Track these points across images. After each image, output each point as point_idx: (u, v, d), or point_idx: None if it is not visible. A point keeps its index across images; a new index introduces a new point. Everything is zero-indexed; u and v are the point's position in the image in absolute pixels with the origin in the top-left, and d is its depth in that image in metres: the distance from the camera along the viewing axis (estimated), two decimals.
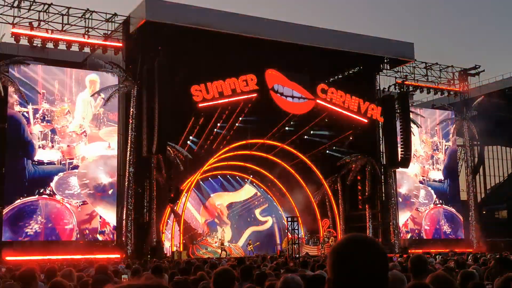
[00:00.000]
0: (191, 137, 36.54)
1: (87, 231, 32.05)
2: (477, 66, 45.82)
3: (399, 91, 41.95)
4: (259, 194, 41.77)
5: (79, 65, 35.71)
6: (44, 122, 31.91)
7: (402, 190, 41.82)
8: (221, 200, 40.35)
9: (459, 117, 44.13)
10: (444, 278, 3.41)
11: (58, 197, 31.47)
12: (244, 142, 37.79)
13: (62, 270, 7.86)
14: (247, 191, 41.61)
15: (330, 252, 2.26)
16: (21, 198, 30.66)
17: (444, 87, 45.12)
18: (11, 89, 30.72)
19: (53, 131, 32.04)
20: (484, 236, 42.04)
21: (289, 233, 35.18)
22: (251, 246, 38.29)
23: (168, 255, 32.99)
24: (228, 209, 40.47)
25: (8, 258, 26.92)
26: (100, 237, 32.43)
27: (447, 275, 3.58)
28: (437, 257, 17.66)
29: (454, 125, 44.14)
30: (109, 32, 34.03)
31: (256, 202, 41.60)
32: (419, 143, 42.98)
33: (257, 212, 41.51)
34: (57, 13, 32.65)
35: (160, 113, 31.18)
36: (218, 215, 39.81)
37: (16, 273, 8.13)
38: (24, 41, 32.38)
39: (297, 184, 39.99)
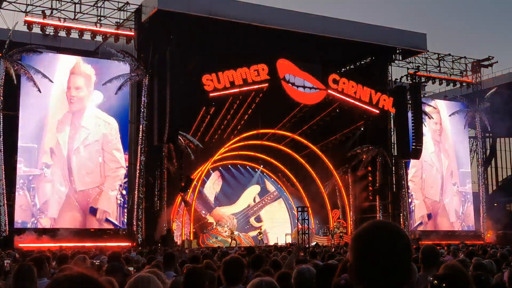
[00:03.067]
0: (202, 127, 36.57)
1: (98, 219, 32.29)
2: (490, 57, 45.49)
3: (411, 82, 41.74)
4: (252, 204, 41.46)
5: (91, 54, 35.81)
6: None
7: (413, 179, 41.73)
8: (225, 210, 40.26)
9: (471, 109, 43.86)
10: (458, 268, 3.40)
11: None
12: (255, 132, 37.78)
13: (75, 257, 7.92)
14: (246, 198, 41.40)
15: (352, 238, 2.25)
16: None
17: (457, 78, 44.86)
18: (23, 77, 30.84)
19: None
20: (495, 229, 41.88)
21: (299, 223, 35.22)
22: (261, 235, 38.35)
23: (178, 243, 33.15)
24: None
25: (20, 245, 27.15)
26: (110, 225, 32.65)
27: (461, 266, 3.57)
28: (451, 247, 17.62)
29: (466, 117, 43.85)
30: (121, 21, 34.07)
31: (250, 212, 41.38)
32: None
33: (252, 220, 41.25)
34: (70, 2, 32.72)
35: (171, 102, 31.22)
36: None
37: (29, 258, 8.19)
38: (36, 30, 32.52)
39: (307, 174, 39.96)
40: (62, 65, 32.50)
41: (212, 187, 39.89)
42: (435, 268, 4.97)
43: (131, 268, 9.59)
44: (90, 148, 32.47)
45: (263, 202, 41.44)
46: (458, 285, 3.34)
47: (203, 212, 38.92)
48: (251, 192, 41.23)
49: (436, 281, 3.07)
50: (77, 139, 32.24)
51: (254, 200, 41.33)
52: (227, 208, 39.92)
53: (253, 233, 39.60)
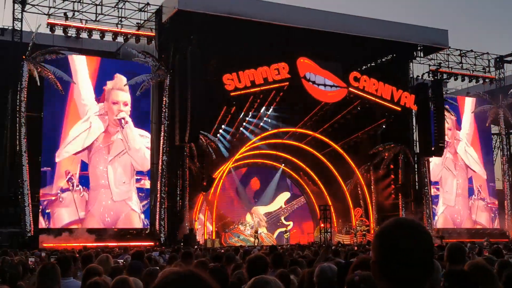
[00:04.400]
0: (223, 126, 36.69)
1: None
2: None
3: (432, 79, 41.43)
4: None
5: (113, 55, 36.12)
6: None
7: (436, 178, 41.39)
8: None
9: (495, 105, 43.39)
10: (483, 266, 3.39)
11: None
12: (276, 130, 37.78)
13: (98, 256, 8.00)
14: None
15: (375, 235, 2.28)
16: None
17: (479, 75, 44.38)
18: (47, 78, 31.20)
19: None
20: None
21: (321, 222, 35.19)
22: (287, 234, 38.36)
23: (201, 243, 33.29)
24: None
25: (45, 244, 27.47)
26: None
27: (485, 264, 3.56)
28: (476, 245, 17.46)
29: (489, 113, 43.38)
30: (142, 21, 34.31)
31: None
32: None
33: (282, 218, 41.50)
34: (91, 3, 33.05)
35: (192, 102, 31.36)
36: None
37: (56, 257, 8.31)
38: (59, 32, 32.88)
39: (329, 172, 39.86)
40: (84, 66, 32.88)
41: (250, 185, 40.24)
42: (461, 266, 4.95)
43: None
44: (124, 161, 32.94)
45: (290, 208, 41.58)
46: (480, 281, 3.34)
47: (243, 208, 39.48)
48: (282, 198, 41.55)
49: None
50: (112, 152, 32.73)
51: (284, 204, 41.65)
52: (264, 207, 40.30)
53: (282, 229, 39.81)
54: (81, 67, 32.66)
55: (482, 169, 43.10)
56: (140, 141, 33.30)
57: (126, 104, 33.20)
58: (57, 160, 31.51)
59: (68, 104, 32.15)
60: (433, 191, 40.79)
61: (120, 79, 33.14)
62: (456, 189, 41.71)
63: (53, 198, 31.23)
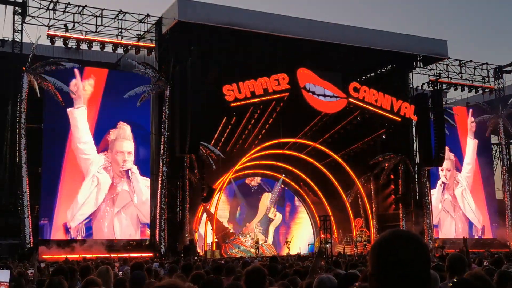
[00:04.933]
0: (223, 137, 36.68)
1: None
2: None
3: (432, 89, 41.48)
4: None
5: (113, 66, 36.18)
6: None
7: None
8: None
9: (495, 115, 43.41)
10: (481, 276, 3.38)
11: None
12: (276, 141, 37.79)
13: (99, 268, 7.97)
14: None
15: (372, 247, 2.26)
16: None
17: (479, 85, 44.46)
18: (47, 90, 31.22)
19: None
20: None
21: (321, 232, 35.10)
22: (288, 243, 38.18)
23: (201, 254, 33.19)
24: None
25: (44, 256, 27.39)
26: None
27: (484, 274, 3.55)
28: (476, 256, 17.41)
29: (489, 123, 43.38)
30: (142, 33, 34.40)
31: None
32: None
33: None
34: (91, 15, 33.15)
35: (192, 113, 31.37)
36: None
37: (53, 269, 8.28)
38: (59, 43, 32.97)
39: (329, 183, 39.82)
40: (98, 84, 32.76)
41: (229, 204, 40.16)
42: (462, 276, 4.93)
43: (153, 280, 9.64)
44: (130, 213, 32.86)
45: (274, 197, 41.31)
46: None
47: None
48: (265, 199, 41.33)
49: (451, 284, 3.08)
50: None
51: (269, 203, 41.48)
52: (255, 219, 40.25)
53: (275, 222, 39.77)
54: (81, 118, 32.31)
55: (478, 217, 42.40)
56: (146, 191, 33.15)
57: (130, 153, 33.03)
58: (72, 225, 31.23)
59: (67, 155, 31.72)
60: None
61: (123, 129, 32.93)
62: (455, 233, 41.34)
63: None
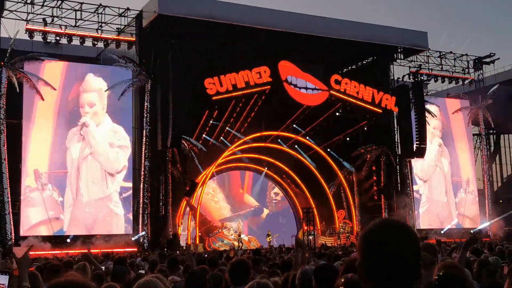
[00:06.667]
0: (205, 130, 36.59)
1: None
2: (492, 54, 45.46)
3: (413, 81, 41.73)
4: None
5: (93, 60, 35.90)
6: None
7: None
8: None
9: (475, 106, 43.78)
10: (454, 265, 3.41)
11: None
12: (258, 134, 37.76)
13: (76, 264, 7.95)
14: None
15: (361, 236, 2.25)
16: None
17: (459, 76, 44.81)
18: (26, 85, 30.89)
19: None
20: (501, 226, 41.74)
21: (304, 224, 35.20)
22: (270, 237, 38.21)
23: (184, 248, 33.11)
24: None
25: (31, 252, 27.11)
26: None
27: (456, 263, 3.58)
28: (458, 245, 17.59)
29: (469, 114, 43.74)
30: (122, 26, 34.17)
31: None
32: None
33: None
34: (70, 9, 32.83)
35: (174, 106, 31.26)
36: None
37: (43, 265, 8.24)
38: (38, 38, 32.62)
39: (312, 175, 39.90)
40: (69, 74, 32.59)
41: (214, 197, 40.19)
42: (434, 267, 4.89)
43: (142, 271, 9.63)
44: (98, 158, 32.62)
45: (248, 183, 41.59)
46: (454, 285, 3.36)
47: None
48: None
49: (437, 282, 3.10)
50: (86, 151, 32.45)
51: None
52: (235, 214, 40.24)
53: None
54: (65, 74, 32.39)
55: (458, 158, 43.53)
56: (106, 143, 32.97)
57: (92, 106, 32.83)
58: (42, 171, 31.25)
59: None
60: (415, 187, 41.15)
61: (88, 81, 32.89)
62: (445, 185, 42.24)
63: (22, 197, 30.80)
